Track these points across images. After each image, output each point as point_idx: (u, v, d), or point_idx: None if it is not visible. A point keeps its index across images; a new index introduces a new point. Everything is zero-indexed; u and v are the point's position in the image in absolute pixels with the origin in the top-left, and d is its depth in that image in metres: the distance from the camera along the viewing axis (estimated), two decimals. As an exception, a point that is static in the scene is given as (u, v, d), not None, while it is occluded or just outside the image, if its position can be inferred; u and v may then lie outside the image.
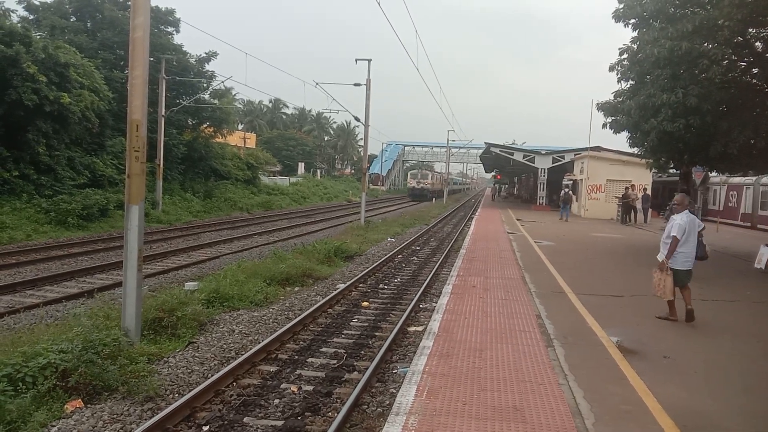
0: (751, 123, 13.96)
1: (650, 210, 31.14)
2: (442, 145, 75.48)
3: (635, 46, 15.51)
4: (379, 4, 16.89)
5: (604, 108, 17.40)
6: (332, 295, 11.46)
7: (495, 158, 49.01)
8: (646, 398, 5.50)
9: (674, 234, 8.48)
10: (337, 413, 5.91)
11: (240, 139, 56.81)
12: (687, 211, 8.66)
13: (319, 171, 78.82)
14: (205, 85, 33.93)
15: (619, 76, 16.56)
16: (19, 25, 23.49)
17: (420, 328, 9.23)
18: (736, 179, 30.06)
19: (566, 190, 34.14)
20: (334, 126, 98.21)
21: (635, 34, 15.76)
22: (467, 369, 6.23)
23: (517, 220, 29.77)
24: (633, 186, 31.03)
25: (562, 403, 5.34)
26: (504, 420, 4.95)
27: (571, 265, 14.24)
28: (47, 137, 22.50)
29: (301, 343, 8.66)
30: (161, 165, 28.22)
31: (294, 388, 6.77)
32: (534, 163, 42.44)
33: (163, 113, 28.34)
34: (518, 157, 43.11)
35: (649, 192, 31.92)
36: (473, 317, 8.53)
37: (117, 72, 28.97)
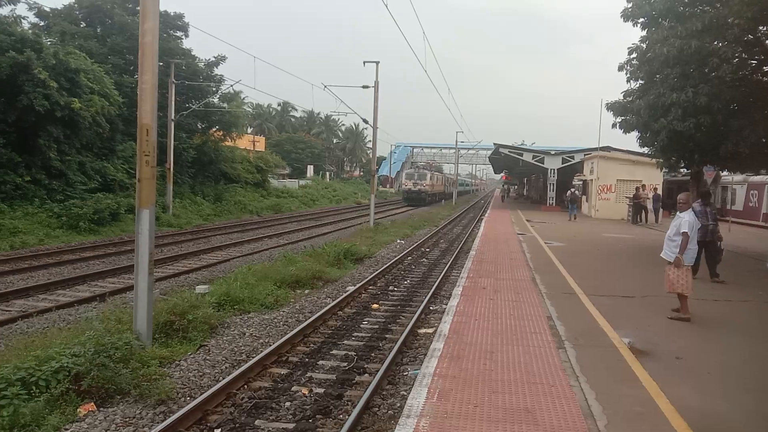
0: (763, 121, 13.83)
1: (661, 210, 30.86)
2: (450, 146, 74.90)
3: (644, 45, 15.41)
4: (386, 5, 16.92)
5: (614, 108, 17.30)
6: (342, 297, 11.47)
7: (504, 159, 48.90)
8: (659, 400, 5.46)
9: (685, 230, 8.52)
10: (348, 416, 5.91)
11: (249, 143, 57.10)
12: (691, 209, 8.82)
13: (328, 173, 79.00)
14: (214, 89, 34.12)
15: (628, 75, 16.47)
16: (30, 31, 23.79)
17: (430, 330, 9.22)
18: (758, 177, 28.11)
19: (573, 190, 34.15)
20: (343, 128, 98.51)
21: (644, 33, 15.68)
22: (478, 371, 6.20)
23: (527, 221, 29.66)
24: (644, 186, 30.81)
25: (573, 405, 5.31)
26: (515, 422, 4.93)
27: (581, 265, 14.17)
28: (58, 142, 22.71)
29: (311, 345, 8.67)
30: (171, 169, 28.36)
31: (305, 390, 6.78)
32: (543, 163, 42.28)
33: (172, 117, 28.50)
34: (527, 157, 42.96)
35: (659, 192, 31.67)
36: (484, 319, 8.50)
37: (127, 77, 29.16)
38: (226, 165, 37.97)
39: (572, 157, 41.19)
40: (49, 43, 24.26)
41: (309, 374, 7.39)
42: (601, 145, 37.07)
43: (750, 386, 6.01)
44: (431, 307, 11.15)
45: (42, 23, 29.55)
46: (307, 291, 12.79)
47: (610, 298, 10.18)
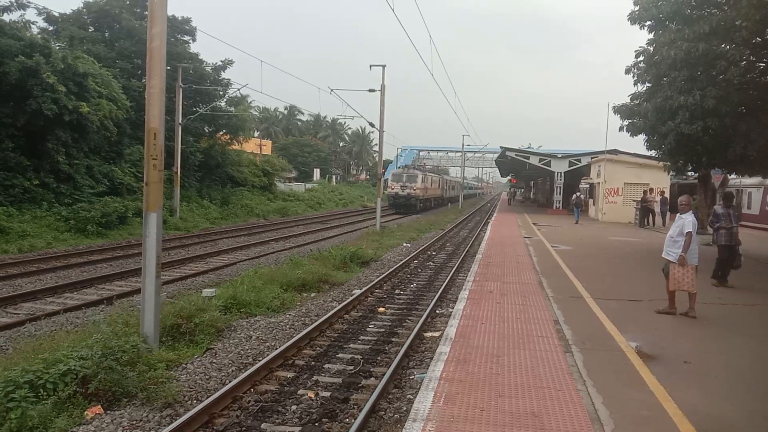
0: (771, 124, 13.75)
1: (669, 213, 30.70)
2: (457, 149, 74.49)
3: (651, 48, 15.37)
4: (392, 9, 16.95)
5: (621, 111, 17.25)
6: (348, 300, 11.46)
7: (511, 162, 48.79)
8: (666, 404, 5.43)
9: (689, 230, 8.73)
10: (354, 419, 5.90)
11: (256, 146, 57.34)
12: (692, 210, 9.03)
13: (334, 177, 79.06)
14: (221, 92, 34.27)
15: (635, 78, 16.42)
16: (39, 36, 23.95)
17: (437, 334, 9.20)
18: None
19: (578, 193, 34.15)
20: (349, 132, 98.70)
21: (651, 36, 15.64)
22: (484, 375, 6.19)
23: (534, 224, 29.59)
24: (651, 189, 30.70)
25: (580, 409, 5.29)
26: (522, 426, 4.91)
27: (588, 269, 14.12)
28: (66, 146, 22.89)
29: (317, 349, 8.68)
30: (179, 172, 28.49)
31: (311, 394, 6.78)
32: (550, 166, 42.17)
33: (180, 121, 28.62)
34: (534, 161, 42.86)
35: (667, 195, 31.53)
36: (490, 323, 8.49)
37: (134, 81, 29.33)
38: (232, 168, 38.10)
39: (579, 160, 41.06)
40: (57, 47, 24.41)
41: (315, 378, 7.39)
42: (608, 149, 36.96)
43: (758, 390, 5.97)
44: (437, 311, 11.13)
45: (51, 28, 29.81)
46: (313, 294, 12.80)
47: (617, 302, 10.14)
